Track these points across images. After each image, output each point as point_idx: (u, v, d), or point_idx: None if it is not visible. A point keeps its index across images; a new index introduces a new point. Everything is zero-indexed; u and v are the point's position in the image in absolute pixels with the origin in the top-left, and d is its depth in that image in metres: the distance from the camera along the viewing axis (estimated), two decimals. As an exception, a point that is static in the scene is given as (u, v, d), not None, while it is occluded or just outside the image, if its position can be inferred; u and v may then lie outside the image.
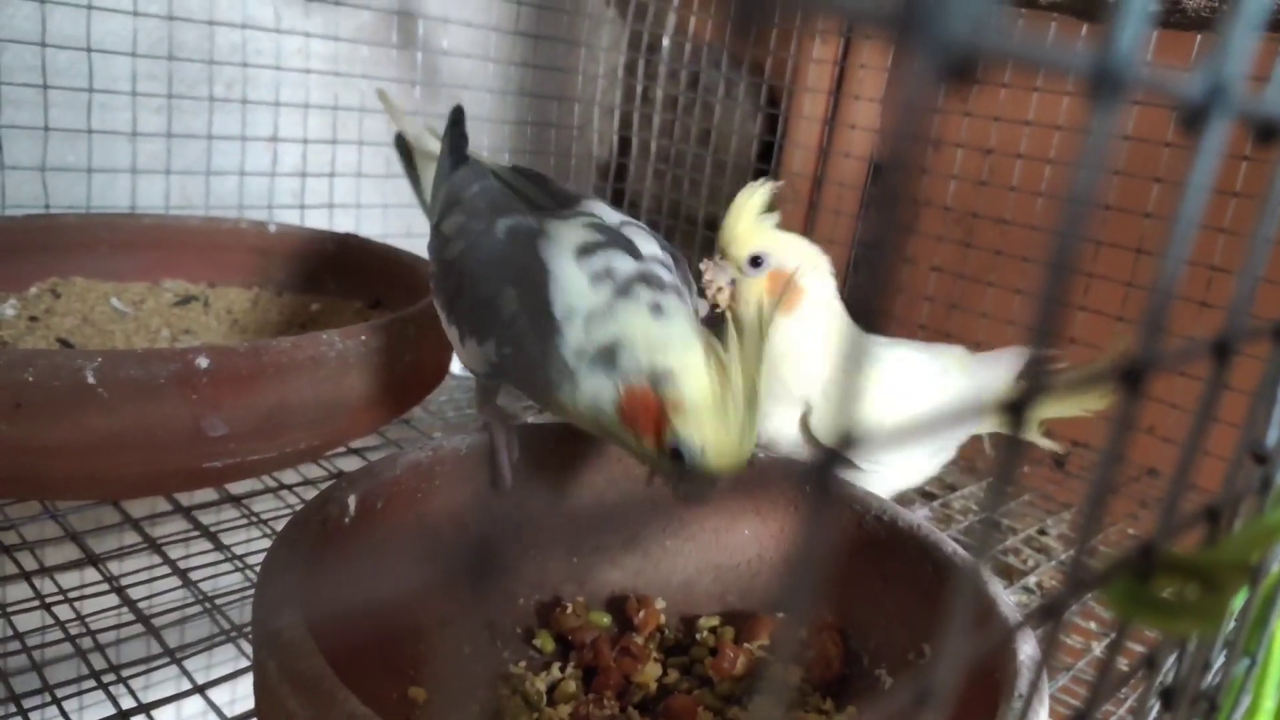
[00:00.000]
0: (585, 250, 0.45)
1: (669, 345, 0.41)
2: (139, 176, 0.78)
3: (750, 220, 0.55)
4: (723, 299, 0.54)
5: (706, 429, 0.39)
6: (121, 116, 0.76)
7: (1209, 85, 0.16)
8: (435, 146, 0.65)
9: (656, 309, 0.42)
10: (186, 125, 0.80)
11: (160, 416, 0.46)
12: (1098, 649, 0.57)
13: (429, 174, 0.63)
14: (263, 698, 0.32)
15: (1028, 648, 0.35)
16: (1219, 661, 0.27)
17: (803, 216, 1.07)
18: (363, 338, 0.53)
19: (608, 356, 0.41)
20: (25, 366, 0.43)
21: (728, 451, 0.40)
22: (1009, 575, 0.63)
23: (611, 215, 0.48)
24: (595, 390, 0.42)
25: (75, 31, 0.72)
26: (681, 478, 0.41)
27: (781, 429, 0.57)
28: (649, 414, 0.41)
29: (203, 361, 0.47)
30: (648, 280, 0.43)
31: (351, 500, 0.40)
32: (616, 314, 0.42)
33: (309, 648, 0.31)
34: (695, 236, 1.09)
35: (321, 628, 0.32)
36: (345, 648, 0.31)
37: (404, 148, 0.69)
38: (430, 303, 0.59)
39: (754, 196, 0.55)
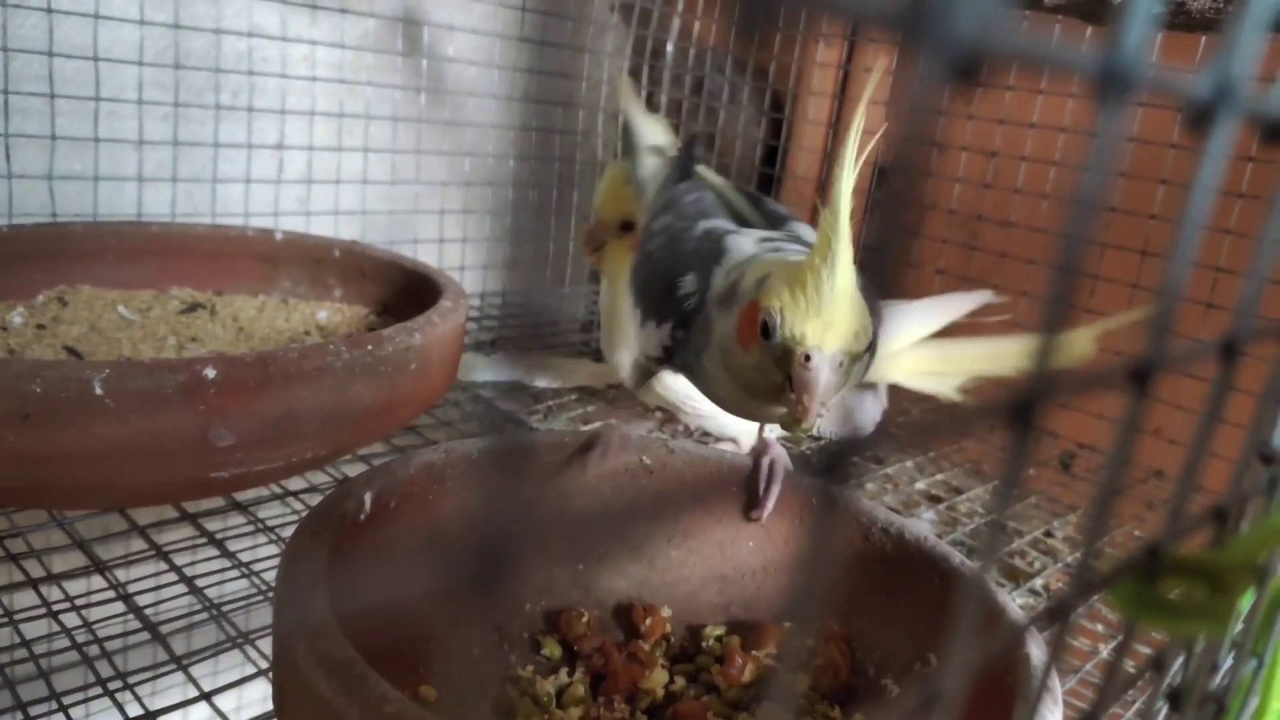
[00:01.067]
0: (763, 240, 0.48)
1: (777, 265, 0.42)
2: (145, 185, 0.78)
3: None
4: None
5: (785, 293, 0.39)
6: (128, 125, 0.76)
7: (1216, 85, 0.16)
8: (656, 138, 0.71)
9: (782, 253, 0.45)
10: (193, 133, 0.80)
11: (167, 427, 0.46)
12: (1105, 651, 0.57)
13: (645, 164, 0.69)
14: (289, 683, 0.32)
15: (1036, 650, 0.35)
16: (1226, 663, 0.27)
17: (808, 220, 1.07)
18: (369, 347, 0.53)
19: (731, 293, 0.43)
20: (33, 377, 0.44)
21: (811, 313, 0.38)
22: (1015, 578, 0.63)
23: (811, 233, 0.50)
24: (723, 330, 0.43)
25: (82, 40, 0.72)
26: (783, 377, 0.39)
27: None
28: (751, 319, 0.40)
29: (210, 372, 0.47)
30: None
31: (367, 497, 0.41)
32: (749, 263, 0.45)
33: (337, 632, 0.31)
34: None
35: (339, 622, 0.32)
36: (360, 643, 0.31)
37: (628, 138, 0.75)
38: (436, 310, 0.59)
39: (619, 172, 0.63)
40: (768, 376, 0.40)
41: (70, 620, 0.51)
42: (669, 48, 1.11)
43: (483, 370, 0.82)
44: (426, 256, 0.92)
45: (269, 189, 0.85)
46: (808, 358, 0.38)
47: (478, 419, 0.75)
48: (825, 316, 0.38)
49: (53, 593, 0.52)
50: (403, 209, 0.94)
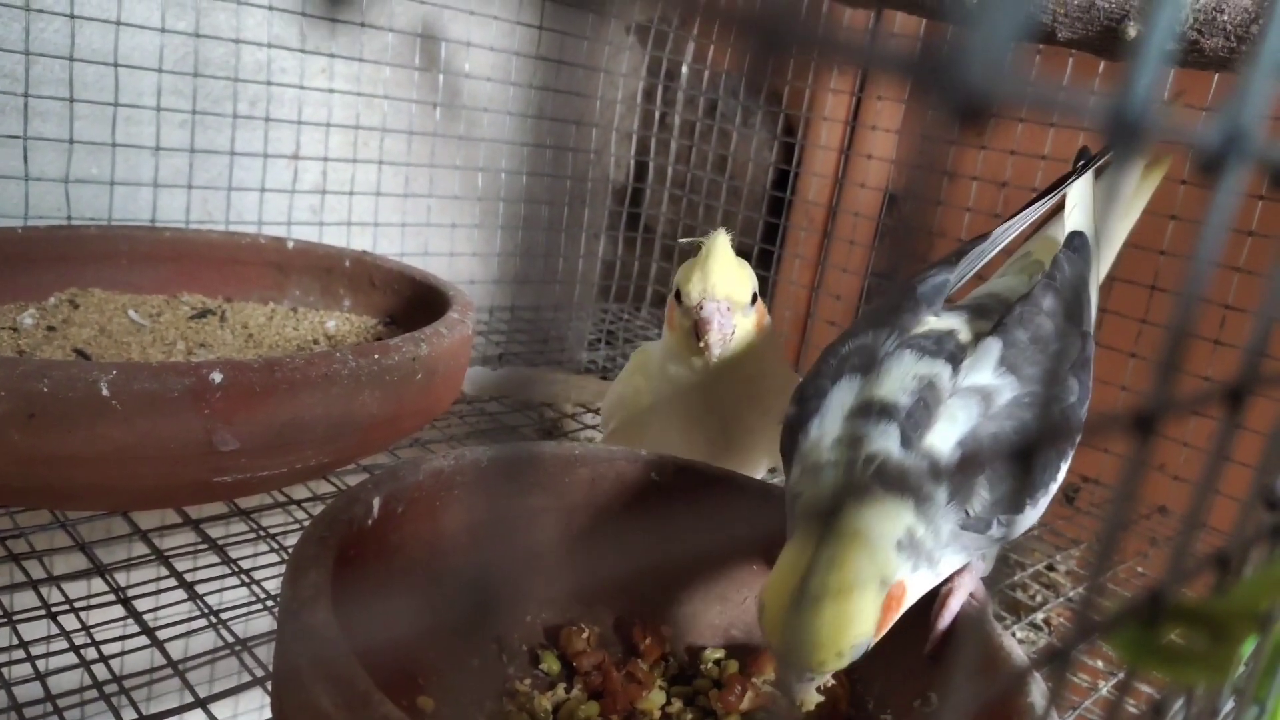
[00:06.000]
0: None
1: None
2: (161, 190, 0.79)
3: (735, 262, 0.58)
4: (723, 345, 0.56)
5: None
6: (146, 131, 0.77)
7: (1227, 132, 0.16)
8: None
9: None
10: (210, 141, 0.81)
11: (172, 430, 0.47)
12: (1105, 688, 0.56)
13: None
14: (290, 695, 0.32)
15: (1039, 697, 0.35)
16: (1227, 708, 0.27)
17: (817, 245, 1.07)
18: (376, 356, 0.53)
19: None
20: (40, 377, 0.44)
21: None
22: (1016, 610, 0.63)
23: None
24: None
25: (103, 46, 0.73)
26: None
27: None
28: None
29: (216, 376, 0.47)
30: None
31: (375, 502, 0.40)
32: None
33: (342, 647, 0.31)
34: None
35: (343, 628, 0.32)
36: (361, 651, 0.31)
37: None
38: (444, 322, 0.59)
39: (725, 240, 0.57)
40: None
41: (69, 623, 0.51)
42: (684, 70, 1.11)
43: (489, 385, 0.82)
44: (437, 269, 0.92)
45: (283, 198, 0.86)
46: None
47: (482, 433, 0.75)
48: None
49: (53, 594, 0.52)
50: (415, 221, 0.94)
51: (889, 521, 0.37)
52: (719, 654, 0.48)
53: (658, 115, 1.14)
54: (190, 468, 0.48)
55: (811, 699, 0.40)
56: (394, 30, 0.89)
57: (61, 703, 0.45)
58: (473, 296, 1.01)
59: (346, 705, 0.29)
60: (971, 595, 0.43)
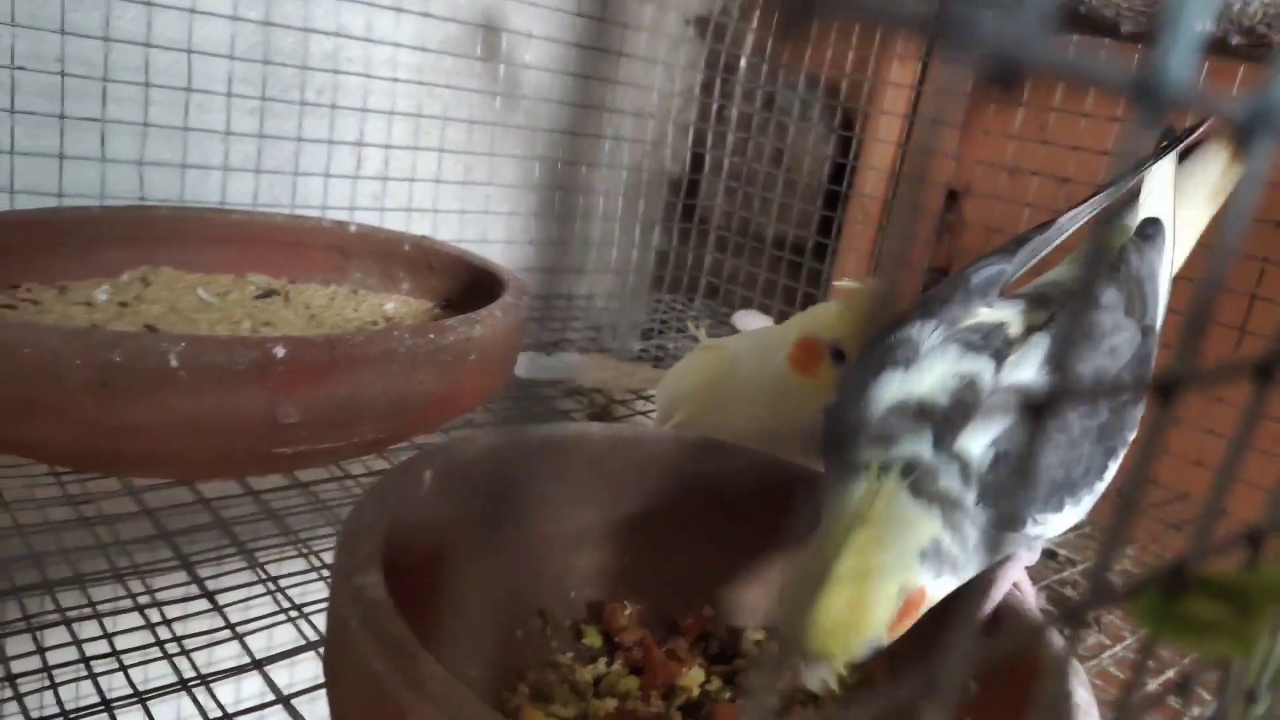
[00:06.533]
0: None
1: None
2: (230, 174, 0.81)
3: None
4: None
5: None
6: (216, 116, 0.79)
7: (1256, 107, 0.16)
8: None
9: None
10: (278, 127, 0.83)
11: (237, 401, 0.48)
12: (1118, 650, 0.56)
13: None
14: (340, 654, 0.33)
15: (1058, 642, 0.35)
16: (1265, 701, 0.27)
17: (872, 239, 1.07)
18: (431, 335, 0.54)
19: None
20: (113, 347, 0.46)
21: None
22: (1063, 605, 0.62)
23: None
24: None
25: (177, 34, 0.75)
26: None
27: None
28: None
29: (280, 351, 0.48)
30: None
31: (427, 475, 0.42)
32: None
33: (391, 609, 0.32)
34: (763, 254, 1.10)
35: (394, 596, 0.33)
36: (409, 618, 0.32)
37: None
38: (499, 304, 0.60)
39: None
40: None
41: (134, 585, 0.53)
42: (742, 63, 1.12)
43: (542, 369, 0.83)
44: (494, 256, 0.93)
45: (346, 184, 0.88)
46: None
47: (534, 416, 0.77)
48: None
49: (120, 560, 0.55)
50: (474, 209, 0.96)
51: (915, 529, 0.37)
52: (759, 635, 0.48)
53: (715, 108, 1.15)
54: (253, 439, 0.50)
55: (819, 686, 0.39)
56: (456, 21, 0.90)
57: (125, 660, 0.47)
58: (529, 283, 1.02)
59: (396, 664, 0.30)
60: (1016, 585, 0.43)
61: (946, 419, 0.38)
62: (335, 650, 0.34)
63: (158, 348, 0.46)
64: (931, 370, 0.40)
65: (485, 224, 0.97)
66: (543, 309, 1.01)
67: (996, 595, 0.42)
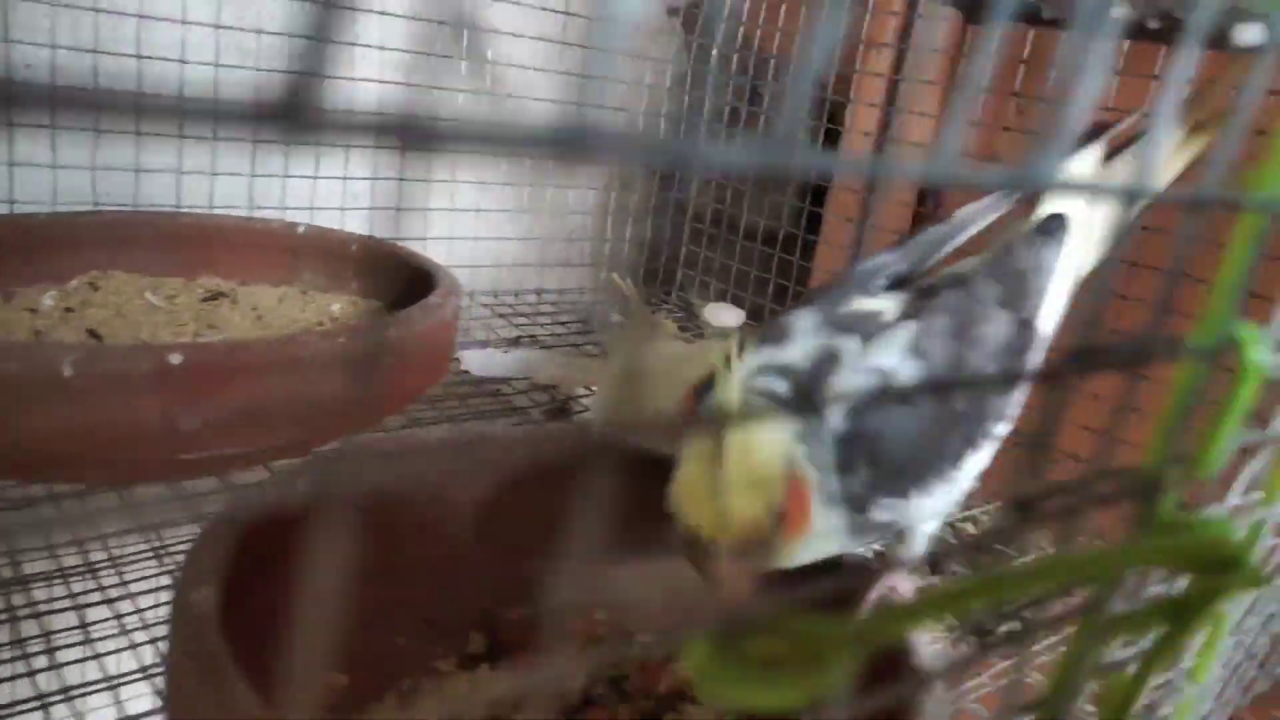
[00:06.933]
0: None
1: None
2: (183, 177, 0.82)
3: None
4: None
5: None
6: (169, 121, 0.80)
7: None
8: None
9: None
10: (235, 131, 0.83)
11: (135, 409, 0.49)
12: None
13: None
14: (167, 671, 0.33)
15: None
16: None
17: (851, 233, 1.05)
18: (340, 339, 0.54)
19: None
20: (6, 358, 0.46)
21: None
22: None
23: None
24: None
25: (128, 36, 0.76)
26: None
27: None
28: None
29: (176, 358, 0.49)
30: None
31: (300, 484, 0.41)
32: None
33: (214, 625, 0.32)
34: (752, 250, 1.09)
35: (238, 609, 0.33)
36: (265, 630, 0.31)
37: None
38: (420, 306, 0.60)
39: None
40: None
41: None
42: (725, 55, 1.10)
43: (497, 366, 0.83)
44: (462, 254, 0.94)
45: (305, 184, 0.88)
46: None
47: (482, 414, 0.77)
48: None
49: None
50: (440, 206, 0.96)
51: (782, 428, 0.37)
52: (648, 638, 0.48)
53: (698, 100, 1.13)
54: (154, 446, 0.50)
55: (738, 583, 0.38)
56: (426, 20, 0.90)
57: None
58: (500, 280, 1.02)
59: (209, 683, 0.30)
60: (893, 589, 0.42)
61: (808, 376, 0.39)
62: (166, 667, 0.34)
63: (52, 357, 0.47)
64: (795, 344, 0.41)
65: (452, 221, 0.97)
66: (512, 305, 1.01)
67: (871, 598, 0.41)
